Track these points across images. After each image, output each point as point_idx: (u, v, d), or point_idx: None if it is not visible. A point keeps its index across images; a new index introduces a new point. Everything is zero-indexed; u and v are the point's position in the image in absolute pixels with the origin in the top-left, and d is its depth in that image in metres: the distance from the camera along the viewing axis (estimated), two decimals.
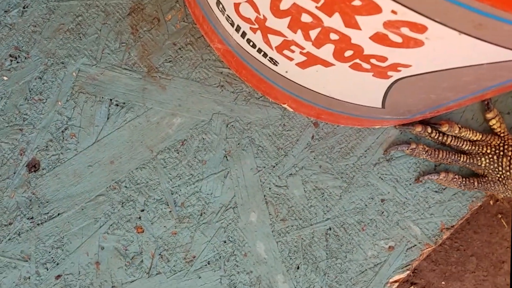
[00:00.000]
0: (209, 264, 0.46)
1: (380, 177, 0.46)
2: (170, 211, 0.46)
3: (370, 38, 0.25)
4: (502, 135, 0.45)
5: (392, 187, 0.46)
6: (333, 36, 0.26)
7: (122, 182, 0.46)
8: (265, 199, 0.46)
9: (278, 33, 0.30)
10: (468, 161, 0.45)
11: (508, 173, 0.43)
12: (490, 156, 0.44)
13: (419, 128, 0.45)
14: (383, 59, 0.26)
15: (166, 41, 0.46)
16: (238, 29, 0.33)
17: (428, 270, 0.71)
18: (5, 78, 0.45)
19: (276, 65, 0.35)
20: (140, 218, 0.46)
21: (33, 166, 0.45)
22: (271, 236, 0.46)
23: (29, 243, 0.45)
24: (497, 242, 0.71)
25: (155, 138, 0.46)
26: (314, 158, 0.46)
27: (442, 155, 0.45)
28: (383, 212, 0.46)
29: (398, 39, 0.24)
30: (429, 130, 0.45)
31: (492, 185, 0.44)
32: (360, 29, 0.24)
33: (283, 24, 0.28)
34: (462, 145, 0.45)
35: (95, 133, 0.46)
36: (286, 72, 0.35)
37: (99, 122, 0.46)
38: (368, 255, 0.46)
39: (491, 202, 0.71)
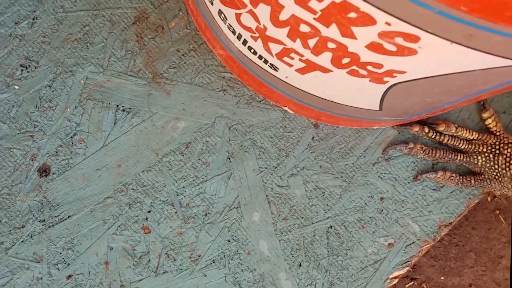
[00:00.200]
0: (214, 262, 0.46)
1: (379, 176, 0.47)
2: (176, 212, 0.46)
3: (366, 47, 0.25)
4: (498, 134, 0.45)
5: (391, 185, 0.47)
6: (331, 45, 0.27)
7: (129, 184, 0.46)
8: (268, 199, 0.46)
9: (278, 41, 0.30)
10: (465, 159, 0.45)
11: (504, 171, 0.43)
12: (486, 154, 0.44)
13: (416, 128, 0.45)
14: (379, 66, 0.27)
15: (170, 48, 0.47)
16: (239, 37, 0.34)
17: (427, 265, 0.71)
18: (16, 87, 0.46)
19: (277, 70, 0.35)
20: (147, 219, 0.46)
21: (44, 171, 0.46)
22: (274, 234, 0.46)
23: (41, 245, 0.46)
24: (495, 238, 0.71)
25: (160, 142, 0.46)
26: (315, 159, 0.47)
27: (440, 154, 0.45)
28: (382, 210, 0.47)
29: (393, 48, 0.25)
30: (426, 130, 0.45)
31: (489, 183, 0.44)
32: (356, 38, 0.25)
33: (283, 33, 0.28)
34: (459, 144, 0.45)
35: (102, 138, 0.46)
36: (286, 77, 0.35)
37: (107, 127, 0.46)
38: (368, 252, 0.47)
39: (489, 199, 0.71)
